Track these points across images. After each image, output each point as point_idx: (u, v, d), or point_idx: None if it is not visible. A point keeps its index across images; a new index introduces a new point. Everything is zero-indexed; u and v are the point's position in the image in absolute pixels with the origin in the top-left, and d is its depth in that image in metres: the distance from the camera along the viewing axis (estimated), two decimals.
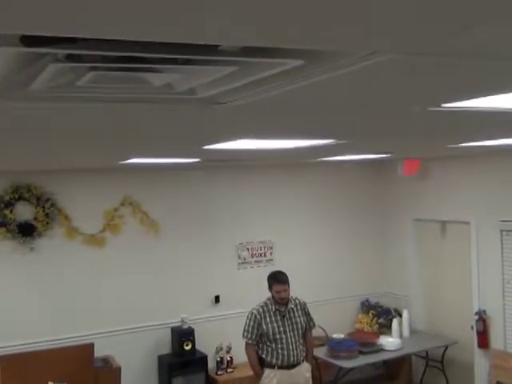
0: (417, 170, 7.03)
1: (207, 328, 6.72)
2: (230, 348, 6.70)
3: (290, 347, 5.21)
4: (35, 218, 5.93)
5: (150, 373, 6.54)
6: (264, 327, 5.19)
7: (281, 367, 5.20)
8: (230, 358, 6.72)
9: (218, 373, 6.64)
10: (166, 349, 6.58)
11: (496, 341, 6.38)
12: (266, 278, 5.38)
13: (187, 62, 1.32)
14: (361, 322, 7.43)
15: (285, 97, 1.52)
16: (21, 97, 1.41)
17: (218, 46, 1.21)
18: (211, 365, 6.63)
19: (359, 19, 0.94)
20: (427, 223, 7.29)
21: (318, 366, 6.28)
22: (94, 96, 1.42)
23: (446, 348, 6.81)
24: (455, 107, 2.17)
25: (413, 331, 7.16)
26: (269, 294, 5.32)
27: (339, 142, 3.24)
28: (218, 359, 6.69)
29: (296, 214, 7.36)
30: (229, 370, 6.69)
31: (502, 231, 6.28)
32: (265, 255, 7.21)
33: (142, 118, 1.89)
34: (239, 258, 7.08)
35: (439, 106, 2.14)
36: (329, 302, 7.41)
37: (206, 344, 6.59)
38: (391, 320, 7.11)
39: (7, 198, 5.81)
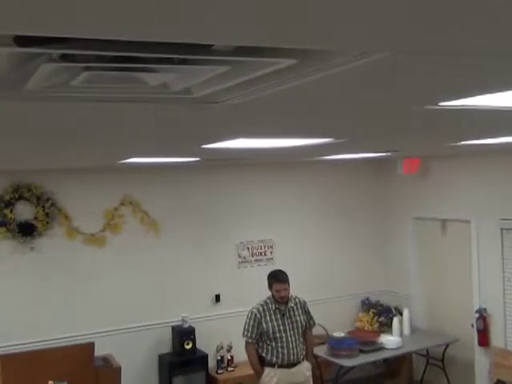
0: (417, 169, 7.03)
1: (208, 327, 6.72)
2: (231, 347, 6.70)
3: (290, 346, 5.22)
4: (35, 218, 5.94)
5: (150, 372, 6.55)
6: (264, 326, 5.20)
7: (281, 366, 5.21)
8: (231, 356, 6.73)
9: (219, 372, 6.65)
10: (166, 348, 6.59)
11: (496, 339, 6.38)
12: (266, 277, 5.38)
13: (183, 62, 1.32)
14: (361, 321, 7.43)
15: (279, 96, 1.52)
16: (15, 97, 1.41)
17: (212, 45, 1.21)
18: (212, 364, 6.64)
19: (351, 18, 0.94)
20: (427, 222, 7.29)
21: (318, 365, 6.29)
22: (88, 96, 1.42)
23: (447, 346, 6.81)
24: (453, 106, 2.17)
25: (413, 329, 7.16)
26: (269, 293, 5.33)
27: (337, 140, 3.24)
28: (219, 358, 6.70)
29: (296, 212, 7.37)
30: (229, 369, 6.70)
31: (502, 229, 6.28)
32: (265, 254, 7.22)
33: (138, 118, 1.89)
34: (239, 256, 7.08)
35: (436, 105, 2.14)
36: (329, 300, 7.41)
37: (206, 343, 6.60)
38: (392, 318, 7.11)
39: (7, 197, 5.82)
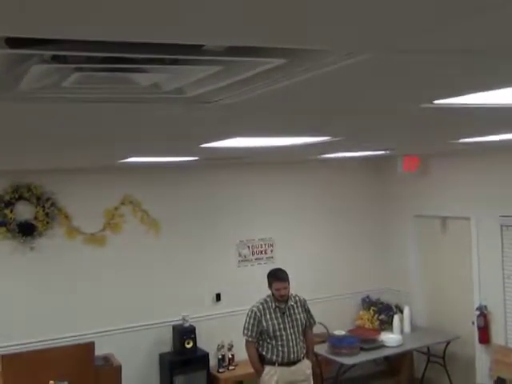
0: (417, 167, 7.03)
1: (208, 326, 6.73)
2: (232, 345, 6.71)
3: (290, 344, 5.22)
4: (35, 218, 5.95)
5: (151, 371, 6.55)
6: (264, 324, 5.20)
7: (281, 364, 5.21)
8: (232, 355, 6.74)
9: (220, 370, 6.66)
10: (167, 347, 6.60)
11: (497, 336, 6.38)
12: (266, 276, 5.39)
13: (174, 62, 1.32)
14: (362, 319, 7.43)
15: (271, 96, 1.53)
16: (8, 98, 1.41)
17: (203, 45, 1.21)
18: (213, 362, 6.64)
19: (339, 18, 0.94)
20: (428, 219, 7.29)
21: (319, 363, 6.29)
22: (79, 97, 1.43)
23: (448, 344, 6.81)
24: (448, 104, 2.17)
25: (414, 327, 7.16)
26: (269, 292, 5.33)
27: (334, 139, 3.24)
28: (220, 357, 6.70)
29: (296, 211, 7.37)
30: (230, 368, 6.71)
31: (502, 226, 6.28)
32: (265, 252, 7.22)
33: (131, 118, 1.90)
34: (240, 255, 7.09)
35: (431, 103, 2.14)
36: (330, 298, 7.42)
37: (207, 342, 6.61)
38: (392, 316, 7.11)
39: (7, 197, 5.83)
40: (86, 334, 6.03)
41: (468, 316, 6.64)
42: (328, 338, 6.60)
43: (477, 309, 6.50)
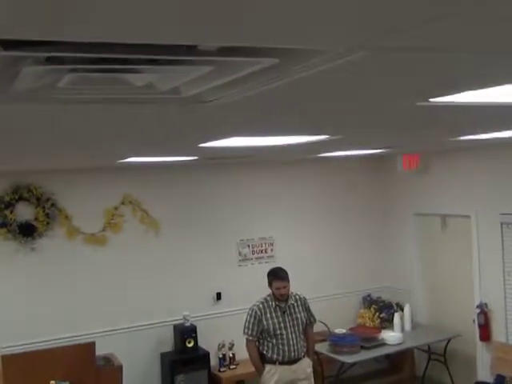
0: (416, 165, 7.03)
1: (209, 325, 6.74)
2: (233, 345, 6.72)
3: (291, 343, 5.23)
4: (36, 218, 5.96)
5: (152, 370, 6.56)
6: (264, 323, 5.20)
7: (282, 363, 5.22)
8: (233, 354, 6.74)
9: (221, 369, 6.66)
10: (168, 346, 6.61)
11: (498, 333, 6.39)
12: (266, 275, 5.39)
13: (167, 62, 1.33)
14: (362, 317, 7.43)
15: (266, 95, 1.53)
16: (3, 99, 1.42)
17: (196, 46, 1.22)
18: (214, 362, 6.65)
19: (331, 17, 0.94)
20: (428, 217, 7.30)
21: (319, 362, 6.30)
22: (75, 98, 1.43)
23: (449, 341, 6.81)
24: (444, 102, 2.17)
25: (415, 325, 7.16)
26: (270, 291, 5.33)
27: (333, 137, 3.24)
28: (221, 356, 6.71)
29: (296, 210, 7.37)
30: (231, 367, 6.72)
31: (502, 224, 6.28)
32: (266, 251, 7.22)
33: (127, 119, 1.90)
34: (240, 254, 7.09)
35: (427, 101, 2.14)
36: (330, 297, 7.42)
37: (208, 341, 6.61)
38: (393, 314, 7.11)
39: (7, 198, 5.84)
40: (86, 334, 6.04)
41: (469, 313, 6.65)
42: (329, 336, 6.60)
43: (477, 306, 6.51)
